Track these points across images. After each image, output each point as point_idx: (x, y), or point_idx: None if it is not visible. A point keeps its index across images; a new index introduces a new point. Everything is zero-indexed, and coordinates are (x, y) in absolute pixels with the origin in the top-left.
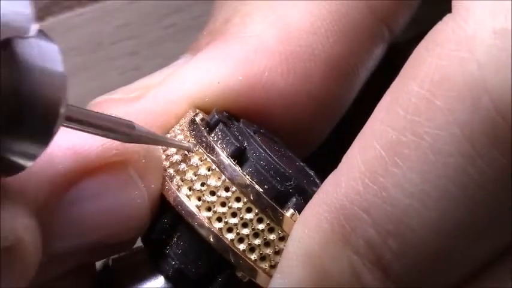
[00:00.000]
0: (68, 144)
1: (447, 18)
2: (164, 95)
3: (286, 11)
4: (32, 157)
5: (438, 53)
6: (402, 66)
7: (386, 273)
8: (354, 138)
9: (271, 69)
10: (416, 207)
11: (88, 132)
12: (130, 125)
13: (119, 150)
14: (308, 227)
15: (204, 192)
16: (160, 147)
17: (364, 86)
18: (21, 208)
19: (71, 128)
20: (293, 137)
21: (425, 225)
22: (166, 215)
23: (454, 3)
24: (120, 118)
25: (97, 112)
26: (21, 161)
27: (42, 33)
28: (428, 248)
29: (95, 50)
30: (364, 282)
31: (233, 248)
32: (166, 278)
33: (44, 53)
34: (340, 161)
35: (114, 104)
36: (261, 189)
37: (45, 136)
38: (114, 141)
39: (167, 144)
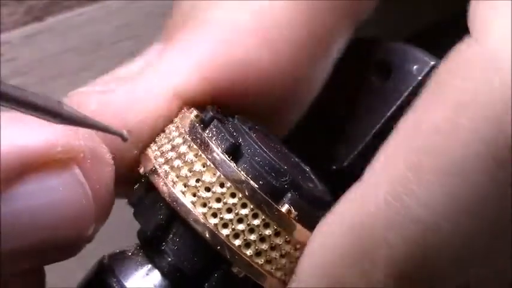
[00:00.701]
0: (11, 138)
1: (468, 40)
2: (143, 86)
3: None
4: None
5: (462, 75)
6: (398, 65)
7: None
8: (350, 136)
9: (247, 46)
10: (440, 224)
11: (12, 107)
12: (59, 103)
13: (64, 148)
14: (327, 238)
15: (199, 189)
16: (106, 148)
17: (334, 73)
18: None
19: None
20: (268, 118)
21: (447, 241)
22: (162, 212)
23: (472, 25)
24: (48, 96)
25: (18, 87)
26: None
27: None
28: (450, 263)
29: (95, 50)
30: None
31: (228, 243)
32: (163, 275)
33: None
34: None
35: (88, 96)
36: (255, 185)
37: None
38: (58, 137)
39: (99, 128)
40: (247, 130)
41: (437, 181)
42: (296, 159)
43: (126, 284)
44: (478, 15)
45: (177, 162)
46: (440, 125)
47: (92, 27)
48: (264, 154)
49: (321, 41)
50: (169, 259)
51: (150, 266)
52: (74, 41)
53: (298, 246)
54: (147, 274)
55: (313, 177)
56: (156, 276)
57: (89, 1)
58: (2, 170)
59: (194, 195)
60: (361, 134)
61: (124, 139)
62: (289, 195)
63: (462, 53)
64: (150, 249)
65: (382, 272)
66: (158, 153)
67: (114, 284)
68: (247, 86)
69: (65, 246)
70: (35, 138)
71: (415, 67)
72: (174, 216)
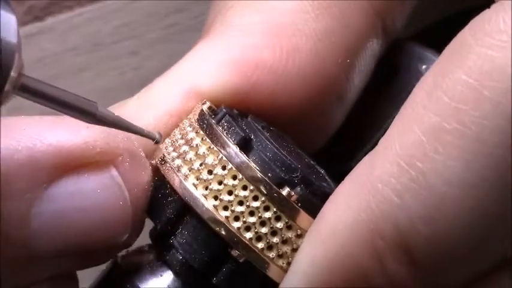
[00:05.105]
0: (51, 139)
1: (496, 7)
2: (158, 88)
3: None
4: None
5: (488, 43)
6: (406, 64)
7: (411, 259)
8: (358, 136)
9: (256, 46)
10: (455, 195)
11: (48, 106)
12: (93, 105)
13: (102, 149)
14: (336, 204)
15: (211, 181)
16: (142, 150)
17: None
18: None
19: (28, 98)
20: (292, 121)
21: (461, 214)
22: (173, 206)
23: None
24: (83, 97)
25: (58, 88)
26: None
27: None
28: (461, 236)
29: (95, 50)
30: (386, 265)
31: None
32: (175, 274)
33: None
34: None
35: (114, 109)
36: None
37: None
38: (97, 139)
39: (132, 130)
40: (259, 128)
41: (455, 150)
42: (311, 161)
43: (141, 285)
44: None
45: (189, 156)
46: (462, 91)
47: (92, 27)
48: (275, 150)
49: (344, 40)
50: (178, 254)
51: (163, 266)
52: (74, 41)
53: (300, 232)
54: (160, 275)
55: (328, 179)
56: (168, 277)
57: (89, 1)
58: (39, 170)
59: (206, 188)
60: (368, 135)
61: (156, 142)
62: (299, 188)
63: (490, 19)
64: (160, 244)
65: (391, 251)
66: (171, 148)
67: (128, 285)
68: (261, 83)
69: (101, 250)
70: (73, 139)
71: (423, 66)
72: (185, 210)
